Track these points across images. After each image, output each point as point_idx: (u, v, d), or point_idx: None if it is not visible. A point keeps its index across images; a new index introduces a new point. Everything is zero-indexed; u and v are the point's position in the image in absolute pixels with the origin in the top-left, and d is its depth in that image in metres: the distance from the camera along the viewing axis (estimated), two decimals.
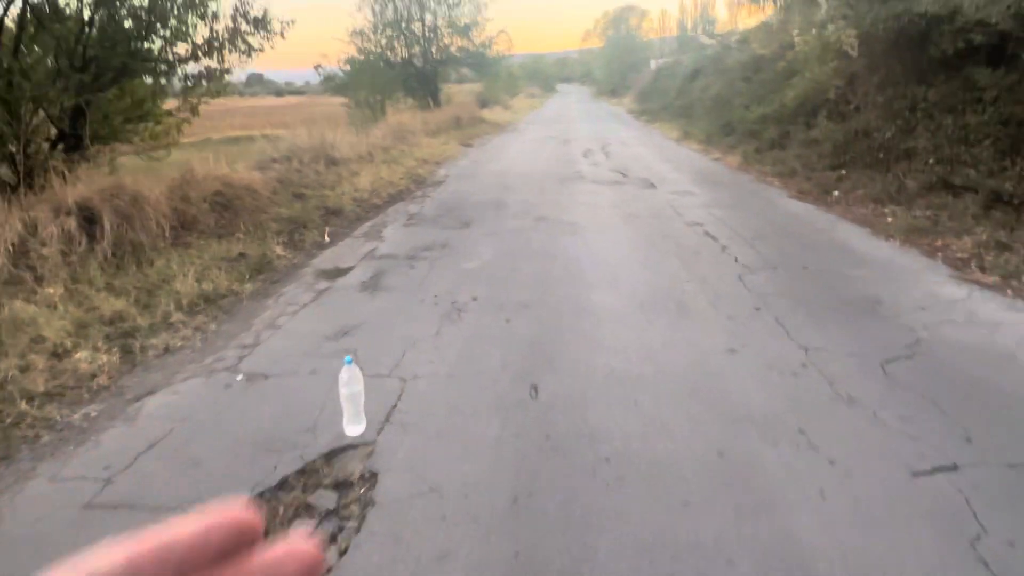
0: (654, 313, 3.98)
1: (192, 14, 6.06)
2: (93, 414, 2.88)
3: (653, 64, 33.43)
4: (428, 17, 21.56)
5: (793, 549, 1.95)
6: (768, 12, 12.39)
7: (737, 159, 10.86)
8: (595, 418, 2.74)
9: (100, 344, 3.45)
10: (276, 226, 6.15)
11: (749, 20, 20.73)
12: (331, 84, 18.83)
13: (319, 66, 17.11)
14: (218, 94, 7.30)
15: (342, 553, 2.00)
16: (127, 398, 3.03)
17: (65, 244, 4.80)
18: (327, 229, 6.35)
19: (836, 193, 7.51)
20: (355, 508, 2.21)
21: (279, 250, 5.46)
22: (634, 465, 2.39)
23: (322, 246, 5.91)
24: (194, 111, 7.01)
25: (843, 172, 8.14)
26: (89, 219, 5.15)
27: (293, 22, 7.03)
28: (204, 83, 6.72)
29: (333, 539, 2.08)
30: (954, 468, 2.33)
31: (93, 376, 3.16)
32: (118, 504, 2.24)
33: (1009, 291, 4.19)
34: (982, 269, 4.61)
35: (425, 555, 1.96)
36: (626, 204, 7.54)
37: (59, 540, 2.07)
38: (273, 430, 2.70)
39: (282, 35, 6.96)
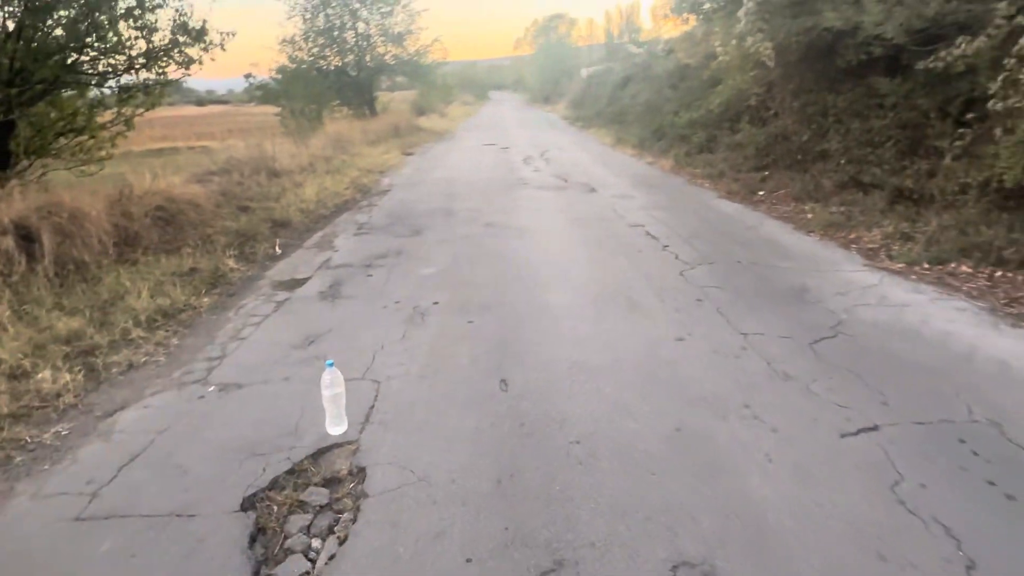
0: (607, 308, 4.26)
1: (128, 25, 5.92)
2: (64, 432, 2.87)
3: (584, 72, 34.35)
4: (361, 26, 21.44)
5: (747, 504, 2.23)
6: (691, 23, 13.09)
7: (669, 163, 11.44)
8: (563, 405, 2.96)
9: (60, 363, 3.40)
10: (225, 239, 6.09)
11: (673, 30, 21.73)
12: (261, 93, 18.40)
13: (250, 75, 16.72)
14: (153, 106, 7.13)
15: (342, 542, 2.13)
16: (97, 415, 3.02)
17: (3, 264, 4.63)
18: (278, 241, 6.33)
19: (761, 193, 8.10)
20: (348, 501, 2.34)
21: (232, 263, 5.42)
22: (603, 444, 2.63)
23: (275, 258, 5.90)
24: (129, 124, 6.82)
25: (766, 173, 8.77)
26: (26, 237, 4.97)
27: (233, 34, 6.97)
28: (141, 95, 6.56)
29: (331, 530, 2.20)
30: (875, 428, 2.69)
31: (58, 395, 3.12)
32: (110, 514, 2.27)
33: (913, 276, 4.72)
34: (890, 257, 5.16)
35: (422, 536, 2.12)
36: (570, 208, 7.86)
37: (53, 553, 2.10)
38: (255, 435, 2.78)
39: (222, 47, 6.88)
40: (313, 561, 2.05)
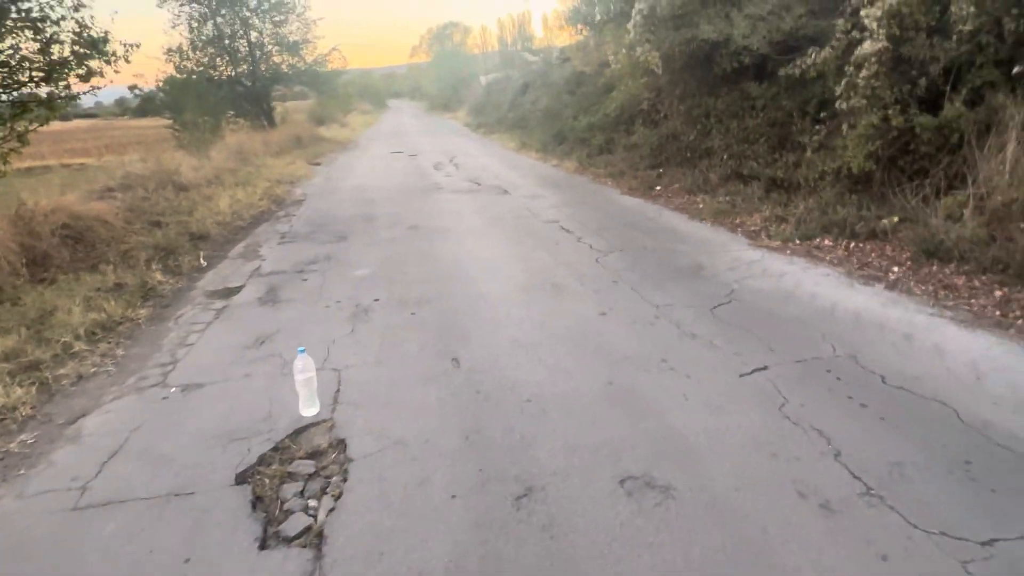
0: (536, 294, 4.72)
1: (25, 36, 5.66)
2: (30, 441, 2.91)
3: (484, 79, 35.05)
4: (253, 34, 20.80)
5: (671, 432, 2.74)
6: (584, 34, 13.98)
7: (573, 164, 12.17)
8: (511, 373, 3.37)
9: (6, 379, 3.37)
10: (146, 254, 5.97)
11: (566, 39, 22.81)
12: (140, 105, 17.40)
13: (135, 87, 15.80)
14: (48, 120, 6.81)
15: (337, 498, 2.41)
16: (59, 423, 3.07)
17: None
18: (201, 253, 6.28)
19: (658, 188, 8.93)
20: (335, 467, 2.62)
21: (159, 276, 5.38)
22: (549, 401, 3.06)
23: (201, 270, 5.88)
24: (23, 140, 6.49)
25: (661, 170, 9.66)
26: None
27: (138, 45, 6.79)
28: (38, 109, 6.27)
29: (323, 491, 2.48)
30: (765, 368, 3.31)
31: (14, 408, 3.13)
32: (107, 501, 2.42)
33: (787, 251, 5.56)
34: (768, 237, 6.00)
35: (408, 484, 2.45)
36: (487, 209, 8.30)
37: (58, 539, 2.23)
38: (231, 424, 2.97)
39: (126, 59, 6.69)
40: (314, 516, 2.32)
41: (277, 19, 20.87)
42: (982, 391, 2.96)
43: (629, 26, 8.95)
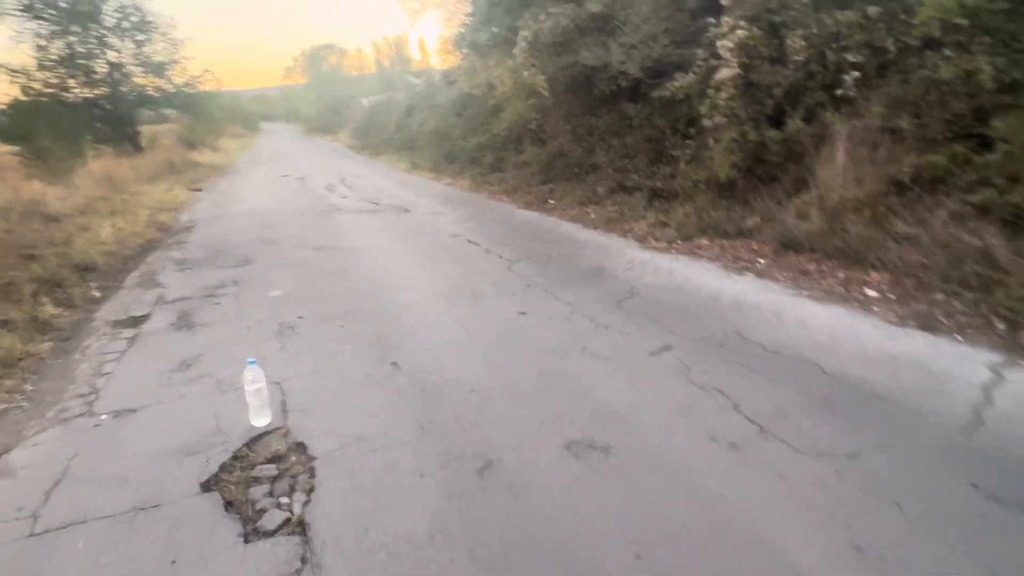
0: (458, 301, 5.01)
1: None
2: None
3: (366, 101, 34.81)
4: (112, 54, 19.34)
5: (603, 405, 3.15)
6: (470, 57, 14.54)
7: (467, 182, 12.60)
8: (451, 371, 3.64)
9: None
10: (28, 288, 5.53)
11: (446, 61, 23.33)
12: None
13: None
14: None
15: (309, 492, 2.56)
16: None
17: None
18: (94, 284, 5.91)
19: (552, 201, 9.56)
20: (299, 467, 2.75)
21: (51, 309, 5.04)
22: (492, 390, 3.37)
23: (96, 301, 5.56)
24: None
25: (552, 185, 10.32)
26: None
27: None
28: None
29: (293, 489, 2.61)
30: (669, 347, 3.84)
31: None
32: (67, 523, 2.39)
33: (672, 251, 6.28)
34: (655, 240, 6.72)
35: (377, 470, 2.65)
36: (392, 227, 8.46)
37: (22, 564, 2.20)
38: (179, 441, 2.98)
39: None
40: (289, 510, 2.46)
41: (139, 39, 19.58)
42: (837, 349, 3.66)
43: (515, 51, 9.56)
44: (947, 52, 4.90)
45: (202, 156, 22.77)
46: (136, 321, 4.95)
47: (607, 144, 9.48)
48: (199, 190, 14.05)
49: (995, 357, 3.38)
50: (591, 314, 4.52)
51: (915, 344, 3.66)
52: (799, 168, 6.22)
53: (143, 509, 2.46)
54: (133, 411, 3.35)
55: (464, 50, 13.36)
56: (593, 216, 8.23)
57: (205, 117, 23.93)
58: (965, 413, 2.83)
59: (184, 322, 4.86)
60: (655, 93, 7.74)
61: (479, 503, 2.40)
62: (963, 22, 4.89)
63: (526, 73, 9.63)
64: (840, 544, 2.08)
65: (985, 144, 4.71)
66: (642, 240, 6.80)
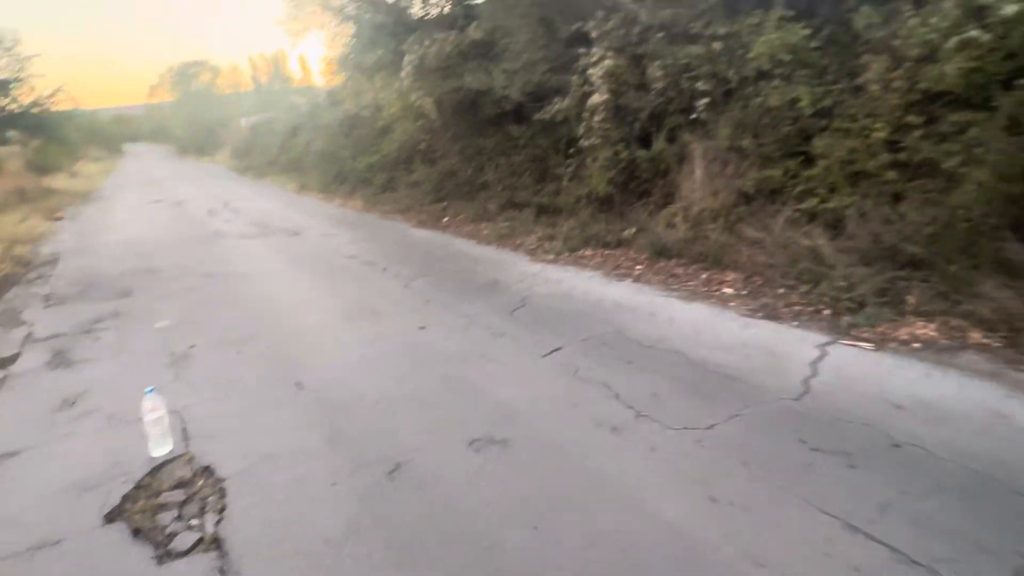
0: (359, 319, 5.12)
1: None
2: None
3: (245, 121, 33.29)
4: None
5: (500, 405, 3.43)
6: (356, 78, 14.53)
7: (359, 203, 12.56)
8: (355, 386, 3.78)
9: None
10: None
11: (331, 80, 22.96)
12: None
13: None
14: None
15: (221, 511, 2.62)
16: None
17: None
18: None
19: (446, 219, 9.83)
20: (207, 490, 2.79)
21: None
22: (396, 399, 3.56)
23: None
24: None
25: (445, 204, 10.60)
26: None
27: None
28: None
29: (203, 511, 2.65)
30: (559, 348, 4.22)
31: None
32: None
33: (560, 262, 6.75)
34: (544, 253, 7.18)
35: (288, 484, 2.75)
36: (283, 251, 8.33)
37: None
38: (74, 479, 2.90)
39: None
40: (201, 531, 2.51)
41: None
42: (700, 340, 4.21)
43: (402, 75, 9.79)
44: (775, 83, 5.74)
45: (59, 182, 20.80)
46: (3, 363, 4.60)
47: (496, 163, 9.91)
48: (60, 219, 12.90)
49: (822, 338, 4.06)
50: (487, 324, 4.82)
51: (761, 332, 4.29)
52: (666, 183, 6.95)
53: (42, 547, 2.41)
54: (14, 454, 3.19)
55: (349, 71, 13.35)
56: (486, 232, 8.58)
57: (60, 139, 21.86)
58: (797, 385, 3.42)
59: (60, 359, 4.59)
60: (537, 116, 8.27)
61: (391, 501, 2.59)
62: (787, 57, 5.77)
63: (413, 96, 9.88)
64: (699, 498, 2.49)
65: (809, 160, 5.57)
66: (532, 253, 7.22)
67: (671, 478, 2.65)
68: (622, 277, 5.97)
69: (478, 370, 3.94)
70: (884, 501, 2.38)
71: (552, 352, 4.16)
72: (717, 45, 6.28)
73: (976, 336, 3.77)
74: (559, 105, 7.72)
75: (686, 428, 3.04)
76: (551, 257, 6.95)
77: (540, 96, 8.40)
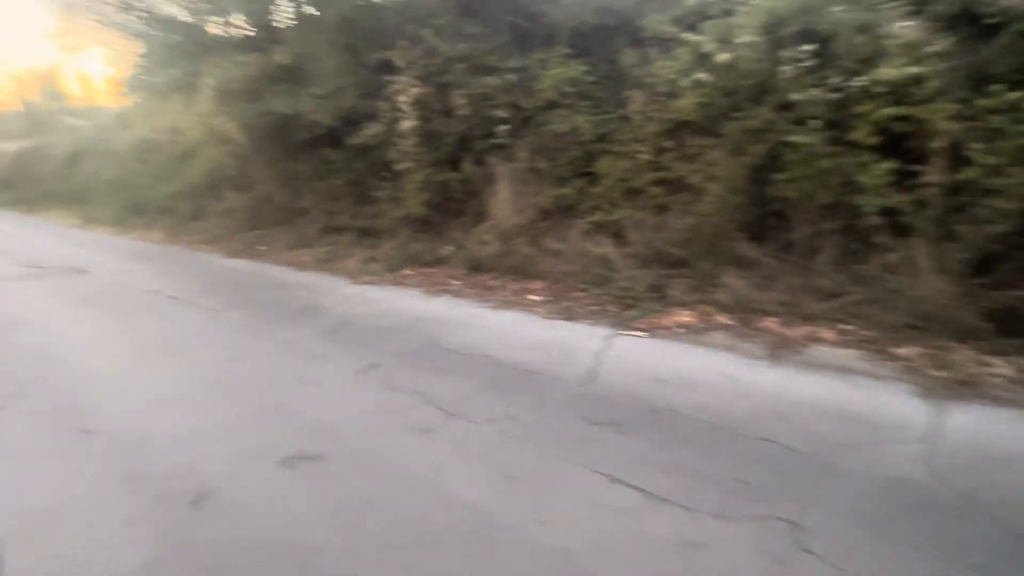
0: (159, 357, 4.79)
1: None
2: None
3: (7, 147, 28.50)
4: None
5: (316, 423, 3.48)
6: (148, 99, 13.31)
7: (161, 234, 11.50)
8: (159, 425, 3.57)
9: None
10: None
11: (118, 100, 20.69)
12: None
13: None
14: None
15: None
16: None
17: None
18: None
19: (263, 247, 9.41)
20: None
21: None
22: (206, 432, 3.44)
23: None
24: None
25: (261, 231, 10.15)
26: None
27: None
28: None
29: None
30: (376, 365, 4.35)
31: None
32: None
33: (381, 283, 6.87)
34: (365, 275, 7.25)
35: (76, 532, 2.57)
36: (65, 292, 7.40)
37: None
38: None
39: None
40: None
41: None
42: (508, 343, 4.62)
43: (202, 97, 9.26)
44: (562, 111, 6.49)
45: None
46: None
47: (313, 188, 9.75)
48: None
49: (609, 331, 4.68)
50: (304, 348, 4.80)
51: (560, 331, 4.82)
52: (478, 202, 7.42)
53: None
54: None
55: (140, 92, 12.24)
56: (306, 258, 8.41)
57: None
58: (584, 372, 3.94)
59: None
60: (351, 140, 8.35)
61: (195, 530, 2.54)
62: (571, 89, 6.55)
63: (217, 120, 9.38)
64: (498, 478, 2.81)
65: (595, 179, 6.36)
66: (353, 276, 7.25)
67: (472, 465, 2.93)
68: (440, 293, 6.26)
69: (293, 394, 3.93)
70: (641, 455, 2.89)
71: (370, 368, 4.29)
72: (511, 77, 6.92)
73: (721, 319, 4.63)
74: (372, 130, 7.89)
75: (490, 420, 3.36)
76: (372, 278, 7.05)
77: (353, 121, 8.49)
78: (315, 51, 8.72)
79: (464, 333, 4.96)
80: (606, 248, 5.92)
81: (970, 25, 4.15)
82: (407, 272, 7.12)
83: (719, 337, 4.36)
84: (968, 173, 3.91)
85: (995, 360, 3.54)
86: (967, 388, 3.31)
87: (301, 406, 3.73)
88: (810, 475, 2.66)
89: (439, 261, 7.18)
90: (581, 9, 6.66)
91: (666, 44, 5.79)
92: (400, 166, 7.62)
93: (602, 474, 2.75)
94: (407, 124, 7.34)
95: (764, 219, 5.09)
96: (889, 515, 2.38)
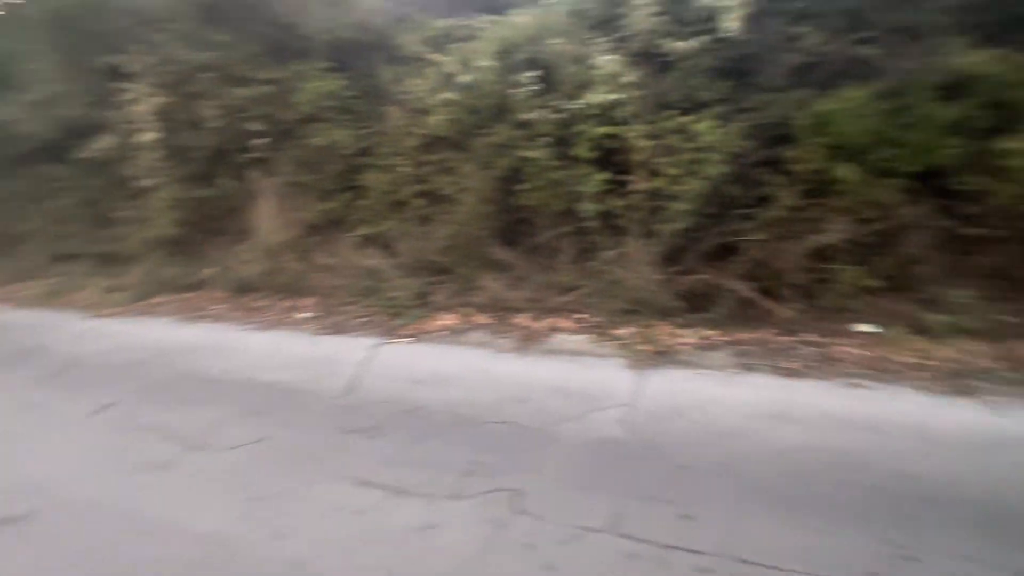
0: None
1: None
2: None
3: None
4: None
5: (25, 480, 3.04)
6: None
7: None
8: None
9: None
10: None
11: None
12: None
13: None
14: None
15: None
16: None
17: None
18: None
19: None
20: None
21: None
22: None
23: None
24: None
25: None
26: None
27: None
28: None
29: None
30: (113, 404, 3.91)
31: None
32: None
33: (128, 313, 6.14)
34: (108, 306, 6.40)
35: None
36: None
37: None
38: None
39: None
40: None
41: None
42: (269, 365, 4.47)
43: None
44: (322, 125, 6.43)
45: None
46: None
47: (36, 210, 8.30)
48: None
49: (376, 341, 4.78)
50: (17, 397, 4.12)
51: (327, 346, 4.80)
52: (239, 219, 6.99)
53: None
54: None
55: None
56: (29, 292, 7.16)
57: None
58: (345, 384, 3.99)
59: None
60: (81, 155, 7.29)
61: None
62: (330, 103, 6.52)
63: None
64: (239, 503, 2.74)
65: (361, 193, 6.41)
66: (91, 309, 6.38)
67: (213, 495, 2.83)
68: (198, 319, 5.81)
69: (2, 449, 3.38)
70: (389, 456, 3.04)
71: (102, 410, 3.84)
72: (267, 88, 6.66)
73: (479, 319, 5.01)
74: (104, 143, 6.99)
75: (237, 447, 3.25)
76: (116, 310, 6.28)
77: (81, 132, 7.43)
78: (26, 50, 7.49)
79: (223, 359, 4.68)
80: (375, 260, 6.02)
81: (653, 61, 5.06)
82: (159, 300, 6.46)
83: (477, 336, 4.72)
84: (658, 182, 4.76)
85: (684, 332, 4.38)
86: (663, 357, 4.04)
87: (13, 459, 3.22)
88: (535, 447, 3.04)
89: (198, 285, 6.63)
90: (336, 24, 6.67)
91: (419, 63, 6.09)
92: (145, 183, 6.86)
93: (349, 479, 2.84)
94: (148, 136, 6.64)
95: (514, 225, 5.61)
96: (593, 470, 2.84)
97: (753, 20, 4.50)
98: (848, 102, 4.28)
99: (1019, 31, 4.14)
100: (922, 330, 3.96)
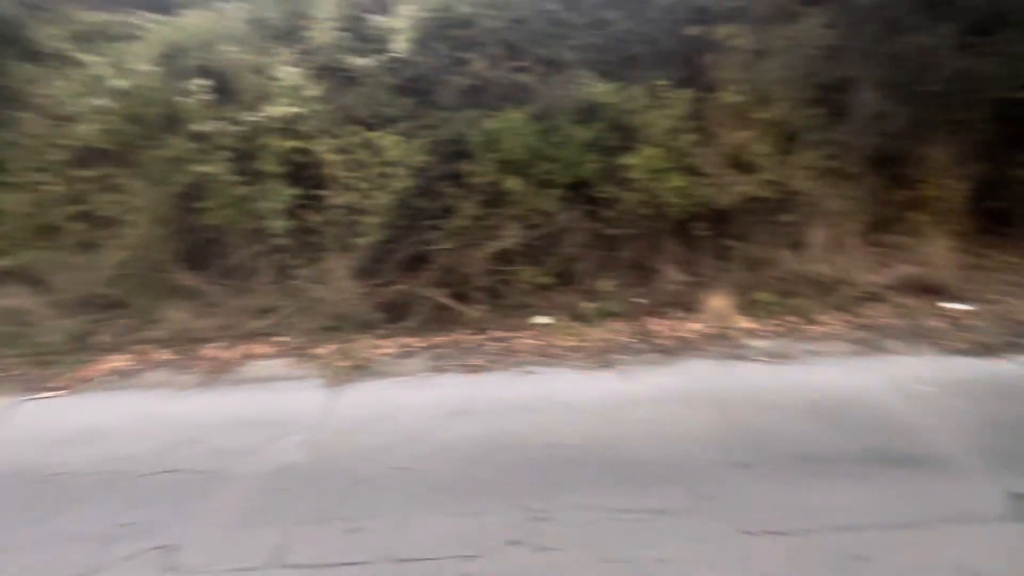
0: None
1: None
2: None
3: None
4: None
5: None
6: None
7: None
8: None
9: None
10: None
11: None
12: None
13: None
14: None
15: None
16: None
17: None
18: None
19: None
20: None
21: None
22: None
23: None
24: None
25: None
26: None
27: None
28: None
29: None
30: None
31: None
32: None
33: None
34: None
35: None
36: None
37: None
38: None
39: None
40: None
41: None
42: None
43: None
44: None
45: None
46: None
47: None
48: None
49: (15, 399, 3.87)
50: None
51: None
52: None
53: None
54: None
55: None
56: None
57: None
58: None
59: None
60: None
61: None
62: None
63: None
64: None
65: None
66: None
67: None
68: None
69: None
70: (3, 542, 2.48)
71: None
72: None
73: (159, 355, 4.42)
74: None
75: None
76: None
77: None
78: None
79: None
80: (18, 299, 4.91)
81: (336, 76, 5.04)
82: None
83: (155, 376, 4.15)
84: (349, 196, 4.76)
85: (384, 343, 4.45)
86: (361, 370, 4.04)
87: None
88: (200, 493, 2.76)
89: None
90: None
91: (62, 62, 5.14)
92: None
93: None
94: None
95: (201, 247, 5.08)
96: (264, 504, 2.68)
97: (422, 44, 4.78)
98: (510, 122, 4.80)
99: (630, 68, 5.11)
100: (581, 317, 4.64)
